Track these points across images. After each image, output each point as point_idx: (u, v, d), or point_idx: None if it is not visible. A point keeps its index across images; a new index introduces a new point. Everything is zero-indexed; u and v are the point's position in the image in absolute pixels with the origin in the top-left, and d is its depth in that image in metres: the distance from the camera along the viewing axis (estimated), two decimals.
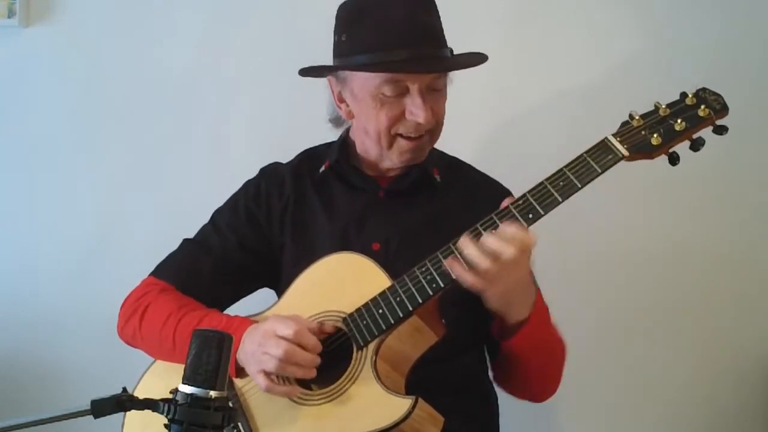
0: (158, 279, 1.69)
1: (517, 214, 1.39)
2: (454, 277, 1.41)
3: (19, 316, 2.35)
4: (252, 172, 1.79)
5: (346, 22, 1.60)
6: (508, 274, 1.37)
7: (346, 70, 1.60)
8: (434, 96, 1.59)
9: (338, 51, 1.62)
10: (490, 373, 1.75)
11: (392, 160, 1.64)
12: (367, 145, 1.66)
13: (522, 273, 1.42)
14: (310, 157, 1.78)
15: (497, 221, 1.40)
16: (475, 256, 1.36)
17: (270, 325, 1.46)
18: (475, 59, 1.61)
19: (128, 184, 2.34)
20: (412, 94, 1.55)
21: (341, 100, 1.66)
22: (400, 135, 1.59)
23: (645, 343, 2.18)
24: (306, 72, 1.67)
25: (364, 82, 1.58)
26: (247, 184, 1.78)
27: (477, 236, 1.38)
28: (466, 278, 1.38)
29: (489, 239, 1.35)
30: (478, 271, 1.36)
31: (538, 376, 1.62)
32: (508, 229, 1.36)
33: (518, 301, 1.47)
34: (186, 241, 1.75)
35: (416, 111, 1.55)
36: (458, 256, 1.39)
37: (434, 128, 1.61)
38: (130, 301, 1.68)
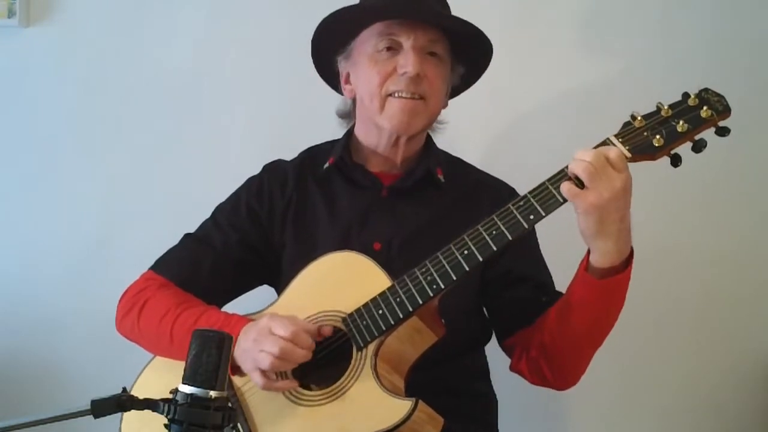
0: (157, 274, 1.69)
1: (518, 215, 1.39)
2: (455, 277, 1.41)
3: (19, 315, 2.35)
4: (252, 172, 1.79)
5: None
6: (609, 178, 1.33)
7: (339, 20, 1.62)
8: (430, 61, 1.60)
9: None
10: (492, 372, 1.75)
11: (385, 126, 1.62)
12: (365, 122, 1.67)
13: (621, 187, 1.33)
14: (313, 155, 1.79)
15: (498, 222, 1.40)
16: (582, 152, 1.34)
17: (266, 323, 1.45)
18: (473, 30, 1.62)
19: (128, 184, 2.34)
20: (405, 50, 1.58)
21: (347, 81, 1.69)
22: (392, 96, 1.60)
23: (645, 343, 2.18)
24: (317, 50, 1.70)
25: (363, 45, 1.62)
26: (250, 181, 1.77)
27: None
28: (564, 185, 1.35)
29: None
30: (581, 166, 1.33)
31: (585, 345, 1.52)
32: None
33: (612, 232, 1.36)
34: (187, 236, 1.75)
35: (404, 63, 1.57)
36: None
37: (428, 94, 1.60)
38: (129, 294, 1.67)
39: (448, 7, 1.69)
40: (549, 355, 1.55)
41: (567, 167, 1.38)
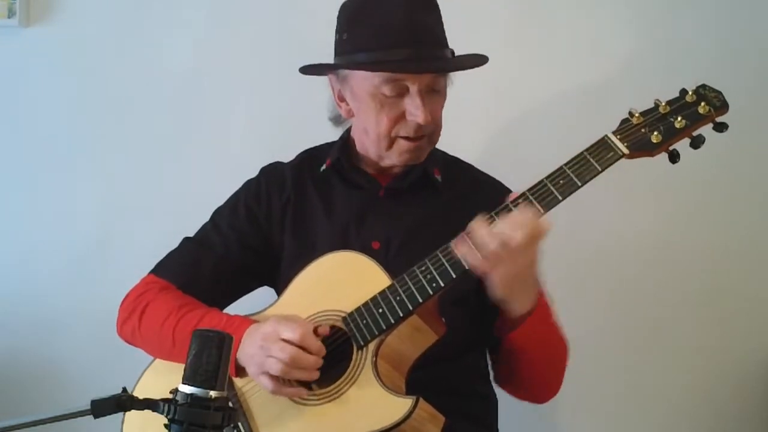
0: (158, 277, 1.69)
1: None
2: (454, 276, 1.41)
3: (18, 315, 2.35)
4: (252, 172, 1.80)
5: (347, 21, 1.61)
6: (514, 260, 1.35)
7: (345, 68, 1.60)
8: (433, 97, 1.59)
9: (339, 49, 1.62)
10: (491, 374, 1.75)
11: (392, 160, 1.64)
12: (366, 144, 1.66)
13: (529, 260, 1.38)
14: (311, 156, 1.79)
15: (496, 220, 1.40)
16: (484, 236, 1.35)
17: (272, 327, 1.45)
18: (476, 60, 1.61)
19: (128, 184, 2.34)
20: (412, 94, 1.55)
21: (341, 98, 1.66)
22: (400, 136, 1.59)
23: (645, 343, 2.18)
24: (307, 70, 1.68)
25: (363, 81, 1.57)
26: (248, 183, 1.78)
27: (490, 220, 1.38)
28: (472, 259, 1.37)
29: (500, 223, 1.35)
30: (485, 253, 1.35)
31: (539, 375, 1.60)
32: (521, 214, 1.36)
33: (522, 291, 1.43)
34: (186, 239, 1.75)
35: (415, 112, 1.55)
36: (467, 238, 1.38)
37: (432, 132, 1.61)
38: (130, 299, 1.68)
39: (439, 14, 1.62)
40: (521, 386, 1.64)
41: (563, 166, 1.39)
